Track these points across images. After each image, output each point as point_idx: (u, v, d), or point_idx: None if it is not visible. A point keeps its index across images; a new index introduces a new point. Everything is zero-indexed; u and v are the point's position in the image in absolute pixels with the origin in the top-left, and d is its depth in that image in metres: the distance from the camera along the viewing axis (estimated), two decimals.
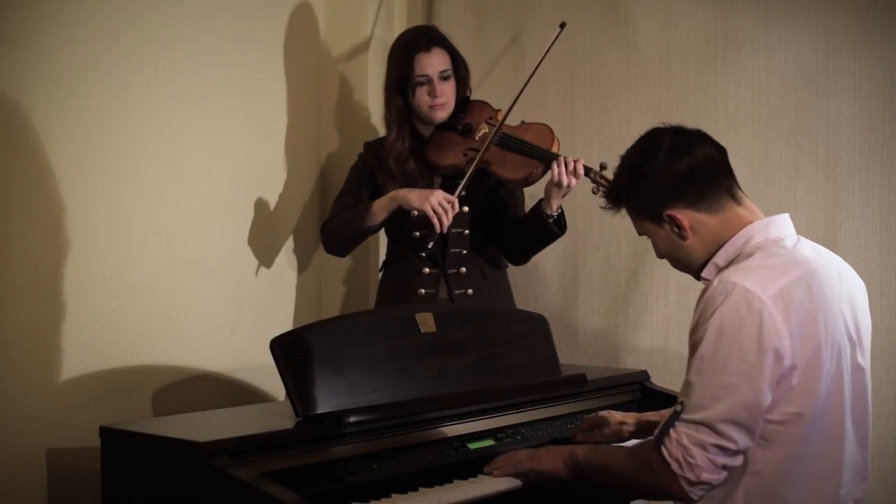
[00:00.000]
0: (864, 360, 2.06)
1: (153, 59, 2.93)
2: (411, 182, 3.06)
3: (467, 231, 3.10)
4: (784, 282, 1.94)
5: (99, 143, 2.79)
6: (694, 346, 1.97)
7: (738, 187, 2.12)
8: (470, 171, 2.98)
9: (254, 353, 3.27)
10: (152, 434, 2.24)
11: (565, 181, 2.91)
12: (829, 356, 1.95)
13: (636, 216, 2.16)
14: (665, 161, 2.07)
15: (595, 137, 3.35)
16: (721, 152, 2.12)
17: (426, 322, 2.48)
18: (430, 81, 3.06)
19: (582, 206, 3.41)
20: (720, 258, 2.07)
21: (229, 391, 3.18)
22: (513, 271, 3.28)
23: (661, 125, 2.16)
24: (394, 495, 2.13)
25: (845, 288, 2.06)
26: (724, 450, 1.92)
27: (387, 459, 2.22)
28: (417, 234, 3.06)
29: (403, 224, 3.07)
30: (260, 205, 3.29)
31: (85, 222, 2.77)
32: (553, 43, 3.02)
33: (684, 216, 2.06)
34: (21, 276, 2.63)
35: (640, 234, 2.18)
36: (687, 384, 1.97)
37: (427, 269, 3.09)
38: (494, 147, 3.03)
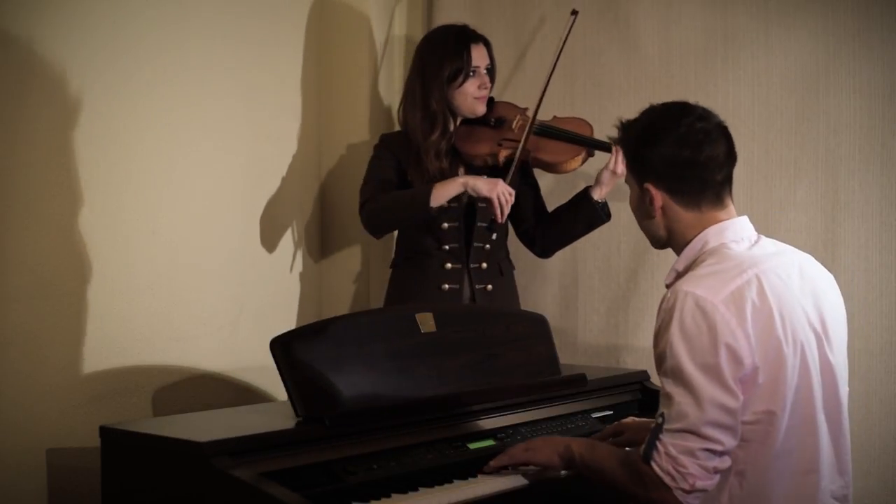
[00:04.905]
0: (833, 354, 2.05)
1: (153, 59, 2.92)
2: (441, 179, 3.01)
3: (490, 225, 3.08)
4: (735, 285, 1.96)
5: (99, 142, 2.79)
6: (659, 358, 1.99)
7: (729, 194, 2.11)
8: (517, 157, 2.99)
9: (254, 353, 3.27)
10: (152, 434, 2.24)
11: (620, 169, 2.95)
12: (791, 351, 1.96)
13: (627, 165, 2.18)
14: (671, 141, 2.06)
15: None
16: (730, 158, 2.10)
17: (426, 322, 2.48)
18: (478, 73, 3.08)
19: None
20: (680, 264, 2.10)
21: (229, 391, 3.18)
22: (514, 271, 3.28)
23: (693, 104, 2.12)
24: (394, 495, 2.13)
25: (807, 283, 2.06)
26: (712, 452, 1.92)
27: (387, 459, 2.22)
28: (446, 225, 3.05)
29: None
30: (260, 204, 3.29)
31: (85, 222, 2.77)
32: (569, 33, 3.05)
33: (660, 196, 2.08)
34: (21, 276, 2.63)
35: (626, 181, 2.21)
36: (664, 396, 1.98)
37: (449, 265, 3.05)
38: (532, 136, 3.05)
